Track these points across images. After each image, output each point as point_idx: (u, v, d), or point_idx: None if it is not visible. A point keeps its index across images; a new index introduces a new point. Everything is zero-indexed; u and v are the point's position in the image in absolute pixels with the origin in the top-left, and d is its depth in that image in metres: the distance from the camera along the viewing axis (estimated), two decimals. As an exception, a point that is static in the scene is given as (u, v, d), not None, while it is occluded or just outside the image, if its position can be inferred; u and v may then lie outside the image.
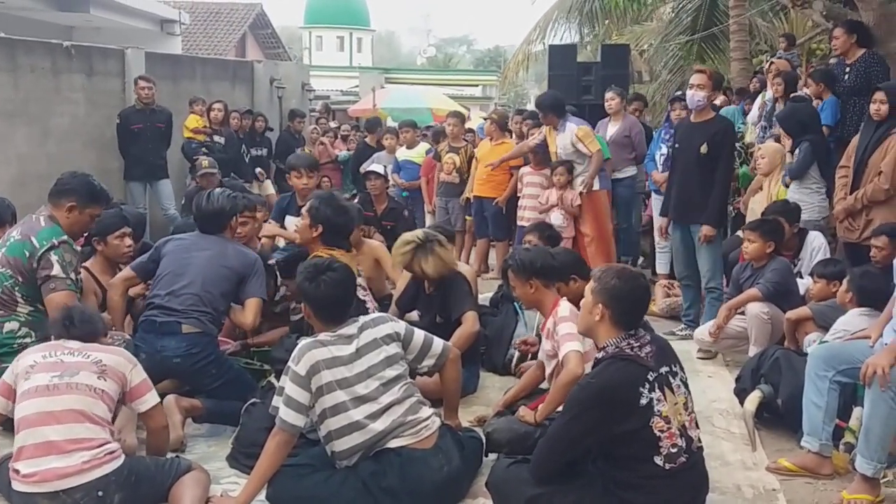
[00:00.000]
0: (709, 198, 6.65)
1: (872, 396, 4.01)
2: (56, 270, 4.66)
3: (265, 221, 7.00)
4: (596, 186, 8.18)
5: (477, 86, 35.86)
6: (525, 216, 8.60)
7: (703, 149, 6.60)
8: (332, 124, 15.10)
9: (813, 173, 6.81)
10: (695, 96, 6.64)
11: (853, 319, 5.00)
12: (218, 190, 5.37)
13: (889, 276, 4.54)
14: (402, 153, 10.93)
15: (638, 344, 3.56)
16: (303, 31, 51.15)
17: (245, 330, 5.34)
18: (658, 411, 3.45)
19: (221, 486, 4.18)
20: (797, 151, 6.89)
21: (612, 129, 9.25)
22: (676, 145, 6.93)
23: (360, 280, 5.42)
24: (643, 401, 3.44)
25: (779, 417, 4.95)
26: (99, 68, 10.30)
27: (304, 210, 5.40)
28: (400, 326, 4.16)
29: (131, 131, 9.92)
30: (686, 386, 3.67)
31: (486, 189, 9.25)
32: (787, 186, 7.01)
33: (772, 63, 10.34)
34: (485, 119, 10.00)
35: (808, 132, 6.97)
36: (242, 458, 4.37)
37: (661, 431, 3.44)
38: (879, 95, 6.16)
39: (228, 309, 5.06)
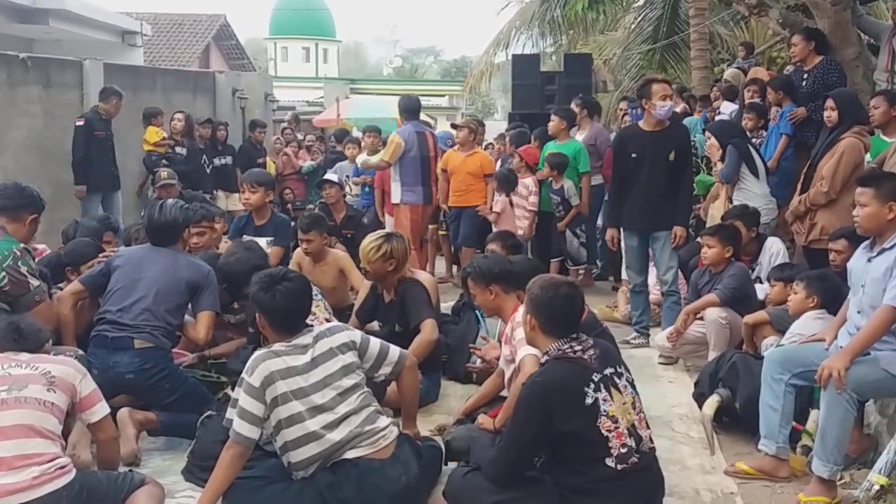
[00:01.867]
0: (675, 203, 6.69)
1: (828, 399, 4.04)
2: (33, 281, 4.66)
3: (224, 233, 6.97)
4: (396, 199, 8.68)
5: (443, 96, 35.91)
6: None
7: (672, 157, 6.63)
8: (299, 135, 15.03)
9: (746, 177, 6.92)
10: (667, 107, 6.68)
11: (808, 323, 5.04)
12: (171, 201, 5.30)
13: (842, 279, 4.58)
14: (362, 158, 10.87)
15: (581, 347, 3.61)
16: (268, 42, 51.03)
17: (198, 344, 5.28)
18: (604, 411, 3.48)
19: (176, 499, 4.14)
20: (726, 157, 7.05)
21: (578, 137, 9.32)
22: (634, 155, 6.79)
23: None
24: (588, 400, 3.46)
25: (737, 421, 4.99)
26: (56, 80, 10.19)
27: None
28: (356, 335, 4.13)
29: (95, 138, 9.65)
30: (633, 386, 3.71)
31: (465, 199, 9.20)
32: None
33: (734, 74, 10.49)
34: (454, 127, 9.94)
35: (732, 137, 7.15)
36: (198, 472, 4.31)
37: (609, 431, 3.47)
38: (829, 102, 6.27)
39: (180, 320, 5.00)
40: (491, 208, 8.97)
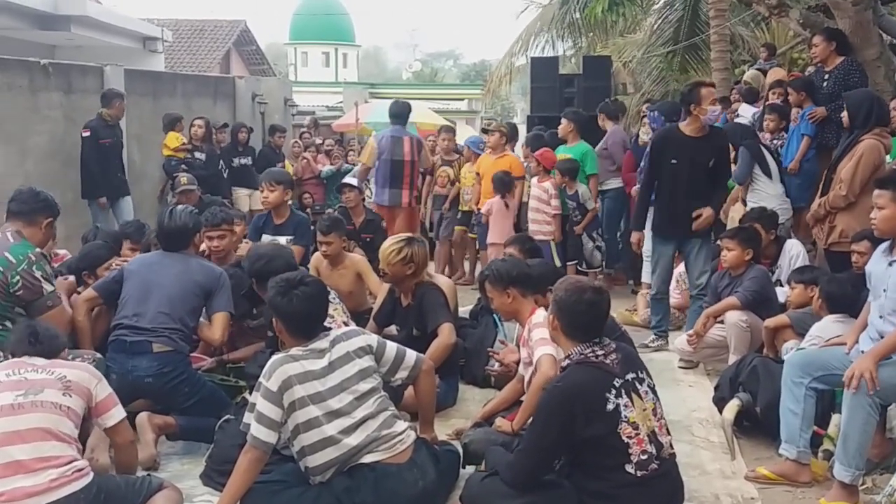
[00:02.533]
0: (710, 200, 6.68)
1: (850, 403, 4.00)
2: (46, 286, 4.67)
3: (245, 236, 6.98)
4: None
5: (463, 100, 35.86)
6: (534, 230, 8.74)
7: (712, 164, 6.59)
8: (318, 140, 15.06)
9: (759, 178, 6.86)
10: (717, 111, 6.63)
11: (828, 326, 4.99)
12: (180, 207, 5.34)
13: (862, 281, 4.53)
14: None
15: (603, 352, 3.59)
16: (288, 47, 51.17)
17: (214, 346, 5.29)
18: (625, 417, 3.46)
19: (194, 504, 4.13)
20: (738, 159, 6.98)
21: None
22: (674, 161, 6.69)
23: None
24: (610, 406, 3.45)
25: (758, 425, 4.94)
26: (77, 86, 10.22)
27: None
28: (372, 339, 4.13)
29: (102, 146, 9.60)
30: (654, 392, 3.68)
31: None
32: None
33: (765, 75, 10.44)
34: (485, 131, 10.05)
35: (744, 139, 7.10)
36: (216, 476, 4.31)
37: (630, 438, 3.45)
38: (845, 104, 6.21)
39: (196, 323, 5.03)
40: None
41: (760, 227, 6.42)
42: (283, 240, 6.53)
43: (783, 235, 6.81)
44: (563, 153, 9.13)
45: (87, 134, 9.54)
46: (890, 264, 4.17)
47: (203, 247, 6.29)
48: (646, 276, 8.36)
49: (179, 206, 5.36)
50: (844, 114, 6.14)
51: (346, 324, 5.14)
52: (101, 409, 3.84)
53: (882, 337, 4.06)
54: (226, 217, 6.31)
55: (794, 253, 6.50)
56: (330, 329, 4.05)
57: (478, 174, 9.53)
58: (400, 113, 9.27)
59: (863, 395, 3.92)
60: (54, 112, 9.81)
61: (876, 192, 4.23)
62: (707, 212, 6.63)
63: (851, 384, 3.94)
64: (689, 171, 6.66)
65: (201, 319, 5.06)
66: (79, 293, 5.32)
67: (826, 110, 7.49)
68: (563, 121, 9.17)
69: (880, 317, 4.17)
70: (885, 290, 4.15)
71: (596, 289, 3.83)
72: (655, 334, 7.05)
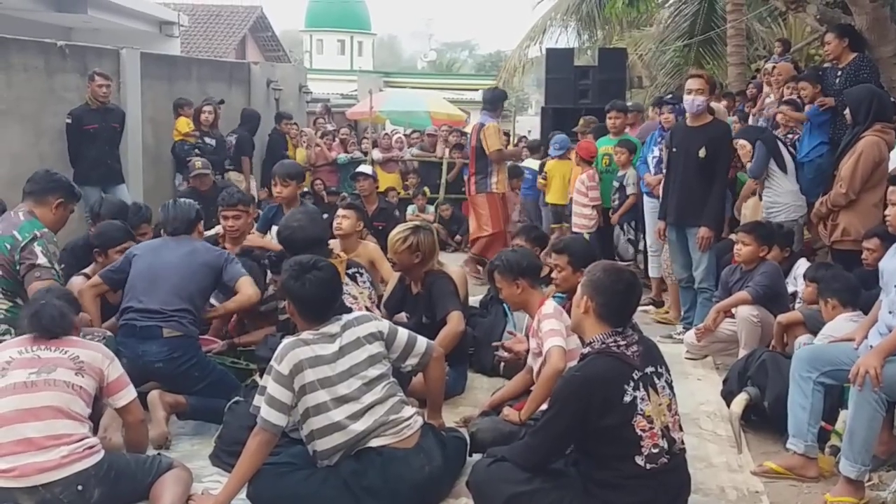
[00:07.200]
0: (707, 200, 6.66)
1: (857, 399, 4.00)
2: (41, 260, 4.71)
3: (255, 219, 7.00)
4: (493, 189, 9.24)
5: (477, 90, 35.74)
6: (576, 222, 8.94)
7: (702, 153, 6.60)
8: (330, 126, 15.09)
9: (775, 173, 6.84)
10: (695, 101, 6.63)
11: (841, 324, 4.96)
12: (182, 199, 5.44)
13: (872, 278, 4.53)
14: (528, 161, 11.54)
15: (625, 342, 3.56)
16: (304, 34, 51.15)
17: (249, 308, 5.34)
18: (641, 410, 3.44)
19: (203, 484, 4.17)
20: (754, 153, 6.96)
21: None
22: (674, 149, 6.90)
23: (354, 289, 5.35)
24: (627, 398, 3.43)
25: (765, 420, 4.95)
26: (93, 68, 10.20)
27: None
28: (383, 325, 4.15)
29: (86, 132, 9.17)
30: (671, 388, 3.66)
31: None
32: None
33: (773, 67, 10.32)
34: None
35: (759, 133, 7.10)
36: (225, 457, 4.35)
37: (643, 431, 3.43)
38: (846, 101, 6.20)
39: (205, 305, 5.07)
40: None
41: (777, 244, 6.37)
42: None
43: (794, 230, 6.77)
44: (607, 145, 9.18)
45: (69, 121, 9.22)
46: (902, 260, 4.16)
47: (218, 228, 6.38)
48: (652, 272, 8.35)
49: (182, 199, 5.47)
50: (847, 111, 6.13)
51: (367, 309, 5.13)
52: (113, 388, 3.88)
53: (891, 332, 4.06)
54: (242, 198, 6.39)
55: (801, 272, 6.43)
56: (341, 315, 4.06)
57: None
58: (487, 99, 9.36)
59: (868, 391, 3.92)
60: (70, 94, 9.80)
61: (890, 188, 4.22)
62: (702, 232, 6.65)
63: (856, 380, 3.94)
64: (683, 160, 6.76)
65: (213, 303, 5.09)
66: (87, 276, 5.36)
67: (838, 107, 7.44)
68: (613, 112, 9.24)
69: (890, 312, 4.16)
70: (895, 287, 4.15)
71: (632, 273, 3.83)
72: (684, 326, 7.06)
